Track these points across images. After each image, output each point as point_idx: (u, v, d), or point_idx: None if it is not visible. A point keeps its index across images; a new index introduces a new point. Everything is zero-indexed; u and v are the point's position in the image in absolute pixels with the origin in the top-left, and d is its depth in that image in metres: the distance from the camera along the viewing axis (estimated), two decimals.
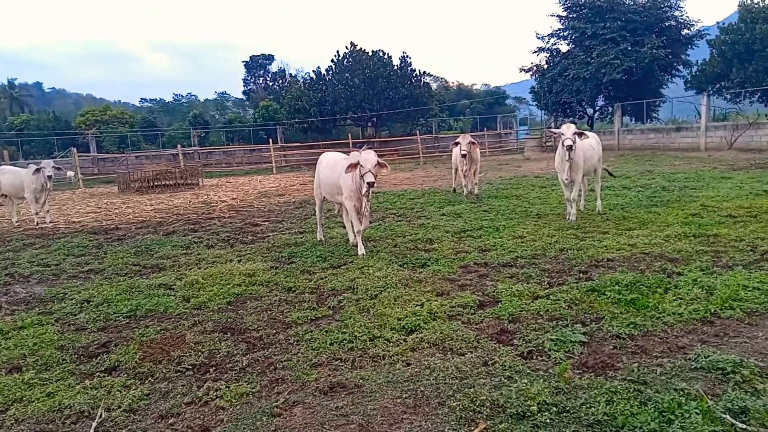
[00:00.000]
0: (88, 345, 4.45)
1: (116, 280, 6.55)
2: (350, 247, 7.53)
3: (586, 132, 8.88)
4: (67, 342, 4.52)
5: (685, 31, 32.29)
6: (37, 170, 11.59)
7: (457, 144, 12.83)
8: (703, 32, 31.84)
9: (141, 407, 3.38)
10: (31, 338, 4.60)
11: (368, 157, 6.68)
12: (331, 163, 7.76)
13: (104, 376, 3.83)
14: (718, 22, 29.44)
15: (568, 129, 8.31)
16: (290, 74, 55.11)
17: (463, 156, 12.19)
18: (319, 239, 8.23)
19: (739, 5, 26.66)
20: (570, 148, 8.10)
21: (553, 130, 8.54)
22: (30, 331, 4.78)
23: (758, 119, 23.48)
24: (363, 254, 6.94)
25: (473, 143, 12.61)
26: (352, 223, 7.36)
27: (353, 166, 6.76)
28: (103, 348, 4.39)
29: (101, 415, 3.27)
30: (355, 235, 7.32)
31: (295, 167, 30.97)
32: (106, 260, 7.69)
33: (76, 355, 4.25)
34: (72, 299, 5.76)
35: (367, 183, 6.53)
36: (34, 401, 3.49)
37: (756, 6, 25.78)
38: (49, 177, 11.66)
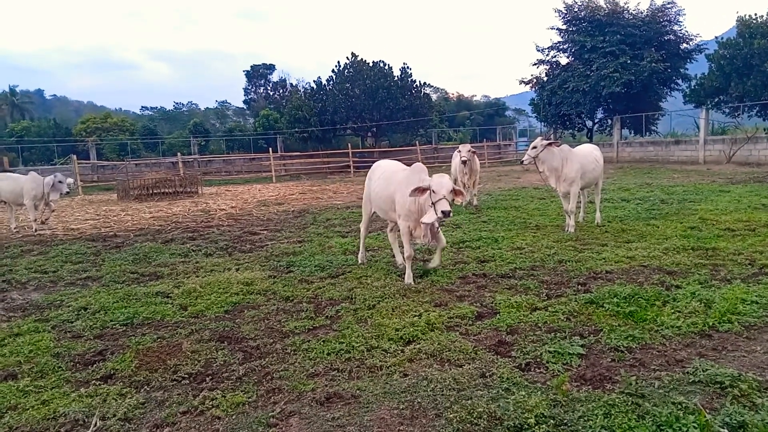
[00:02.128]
0: (84, 353, 4.43)
1: (114, 287, 6.53)
2: (396, 269, 6.77)
3: (586, 144, 9.01)
4: (63, 349, 4.49)
5: (684, 45, 32.51)
6: (59, 182, 11.72)
7: (459, 152, 12.86)
8: (701, 46, 32.04)
9: (136, 416, 3.36)
10: (27, 345, 4.57)
11: (442, 182, 5.68)
12: (387, 173, 6.72)
13: (100, 384, 3.80)
14: (716, 37, 29.67)
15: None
16: (291, 84, 55.23)
17: (464, 163, 12.08)
18: (360, 261, 7.19)
19: (737, 20, 26.85)
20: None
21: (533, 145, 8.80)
22: (26, 338, 4.76)
23: (756, 133, 23.58)
24: (410, 284, 5.97)
25: (473, 152, 12.62)
26: (403, 244, 6.44)
27: (421, 191, 5.71)
28: (99, 356, 4.37)
29: (96, 423, 3.25)
30: (404, 259, 6.41)
31: (294, 176, 31.02)
32: (103, 267, 7.67)
33: (71, 363, 4.23)
34: (69, 306, 5.74)
35: (442, 212, 5.49)
36: (28, 409, 3.46)
37: (754, 21, 25.96)
38: (67, 193, 12.25)
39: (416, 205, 5.91)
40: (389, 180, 6.53)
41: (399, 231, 6.41)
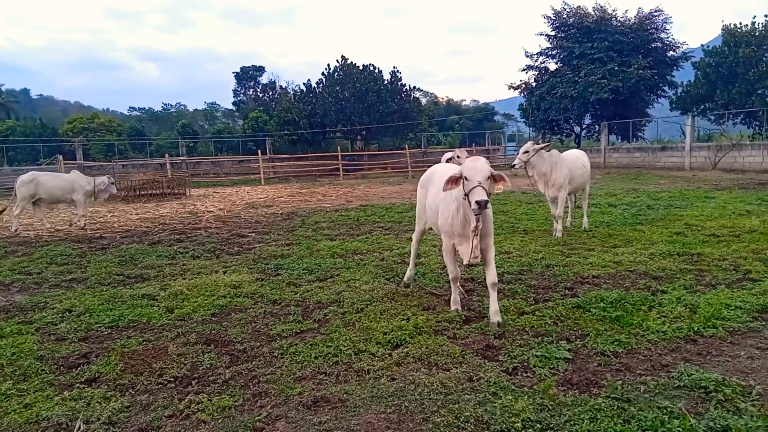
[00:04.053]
0: (68, 355, 4.38)
1: (99, 289, 6.46)
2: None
3: (574, 149, 9.02)
4: (46, 352, 4.43)
5: (671, 52, 32.97)
6: (112, 184, 12.90)
7: (449, 160, 12.79)
8: (688, 54, 32.46)
9: (121, 420, 3.32)
10: (9, 348, 4.50)
11: (476, 165, 4.59)
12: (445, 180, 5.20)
13: (84, 388, 3.76)
14: (702, 45, 30.06)
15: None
16: (280, 86, 55.13)
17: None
18: (405, 281, 6.18)
19: (722, 29, 27.23)
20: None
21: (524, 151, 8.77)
22: (9, 341, 4.69)
23: (741, 140, 23.94)
24: (457, 309, 5.10)
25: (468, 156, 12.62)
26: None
27: (454, 181, 4.66)
28: (84, 359, 4.31)
29: (80, 427, 3.21)
30: (458, 275, 5.28)
31: (283, 179, 30.94)
32: (89, 269, 7.59)
33: (55, 366, 4.17)
34: (53, 308, 5.66)
35: (476, 202, 4.34)
36: (10, 413, 3.41)
37: (739, 30, 26.36)
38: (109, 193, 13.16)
39: (456, 204, 4.83)
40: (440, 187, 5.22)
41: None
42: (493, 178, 4.65)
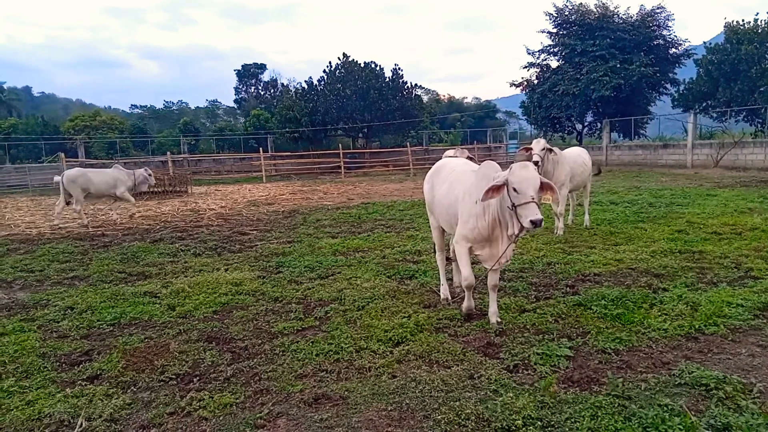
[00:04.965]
0: (70, 353, 4.39)
1: (101, 287, 6.47)
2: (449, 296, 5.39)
3: (555, 155, 8.89)
4: (49, 349, 4.45)
5: (673, 50, 32.85)
6: (149, 175, 13.55)
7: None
8: (690, 51, 32.39)
9: (122, 417, 3.33)
10: (12, 345, 4.52)
11: (527, 175, 4.01)
12: (457, 173, 5.03)
13: (86, 385, 3.77)
14: (704, 42, 29.99)
15: (537, 144, 8.43)
16: (282, 84, 55.07)
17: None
18: (443, 297, 5.39)
19: (725, 26, 27.15)
20: (536, 164, 8.15)
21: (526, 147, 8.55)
22: (11, 338, 4.70)
23: (743, 138, 23.85)
24: (470, 312, 4.77)
25: (470, 158, 12.61)
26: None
27: (495, 190, 4.09)
28: (86, 356, 4.33)
29: (81, 424, 3.22)
30: (462, 287, 4.85)
31: (285, 176, 30.94)
32: (91, 267, 7.60)
33: (57, 363, 4.19)
34: (55, 306, 5.68)
35: (531, 222, 3.87)
36: (12, 409, 3.42)
37: (741, 27, 26.27)
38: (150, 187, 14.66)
39: (490, 214, 4.31)
40: (453, 184, 4.91)
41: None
42: (542, 187, 4.13)
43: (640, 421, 2.98)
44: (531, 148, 8.59)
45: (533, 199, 3.92)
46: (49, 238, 10.38)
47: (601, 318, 4.69)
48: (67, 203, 12.31)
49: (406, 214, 12.11)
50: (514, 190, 4.00)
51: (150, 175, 13.72)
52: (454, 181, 4.91)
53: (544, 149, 8.48)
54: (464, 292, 4.80)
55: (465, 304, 4.84)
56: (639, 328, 4.40)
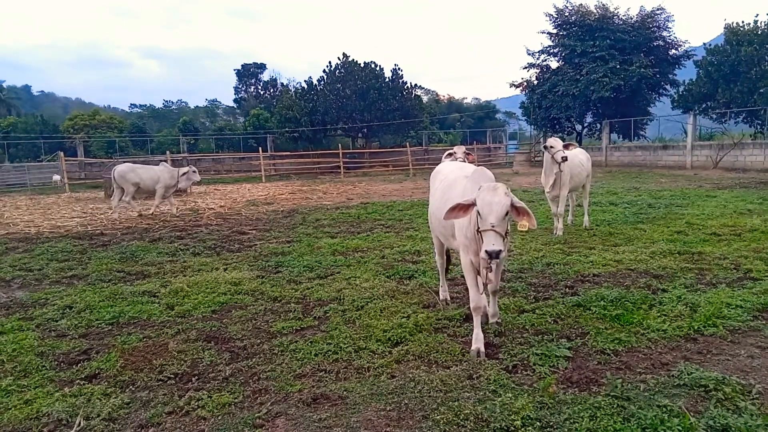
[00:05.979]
0: (68, 352, 4.38)
1: (100, 286, 6.47)
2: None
3: (575, 147, 8.91)
4: (47, 348, 4.44)
5: (673, 51, 32.90)
6: (193, 172, 14.06)
7: (450, 155, 12.69)
8: (690, 53, 32.42)
9: (121, 416, 3.33)
10: (10, 344, 4.51)
11: (492, 200, 3.65)
12: (449, 180, 4.73)
13: (84, 384, 3.76)
14: (704, 43, 29.99)
15: (556, 142, 8.40)
16: (282, 83, 55.05)
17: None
18: (442, 298, 5.34)
19: (725, 27, 27.16)
20: (565, 159, 8.19)
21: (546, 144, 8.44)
22: (9, 337, 4.70)
23: (743, 139, 23.86)
24: (479, 349, 4.00)
25: (468, 154, 12.58)
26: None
27: (463, 209, 3.87)
28: (84, 355, 4.32)
29: (80, 423, 3.21)
30: (482, 304, 4.26)
31: (284, 176, 30.93)
32: (89, 266, 7.59)
33: (56, 362, 4.18)
34: (54, 305, 5.67)
35: (486, 251, 3.59)
36: (11, 408, 3.42)
37: (741, 29, 26.28)
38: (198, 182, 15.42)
39: (472, 225, 3.96)
40: (447, 191, 4.57)
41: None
42: (516, 211, 3.82)
43: (639, 421, 2.98)
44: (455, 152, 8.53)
45: (493, 227, 3.57)
46: (47, 237, 10.37)
47: (600, 319, 4.68)
48: (108, 196, 12.76)
49: (405, 214, 12.11)
50: (478, 213, 3.69)
51: (194, 171, 14.15)
52: (450, 186, 4.61)
53: (560, 150, 8.31)
54: (473, 316, 4.18)
55: (475, 333, 4.09)
56: (638, 329, 4.40)
